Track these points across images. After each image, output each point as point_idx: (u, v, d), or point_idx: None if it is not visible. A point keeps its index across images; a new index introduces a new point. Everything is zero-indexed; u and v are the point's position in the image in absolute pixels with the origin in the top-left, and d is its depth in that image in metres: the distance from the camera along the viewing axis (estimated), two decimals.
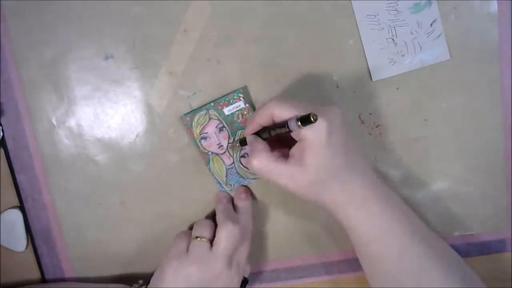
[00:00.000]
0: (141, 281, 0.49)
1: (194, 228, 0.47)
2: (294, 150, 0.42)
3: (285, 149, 0.44)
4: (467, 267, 0.44)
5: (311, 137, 0.40)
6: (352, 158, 0.42)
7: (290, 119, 0.40)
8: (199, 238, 0.46)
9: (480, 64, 0.49)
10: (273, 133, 0.42)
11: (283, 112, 0.41)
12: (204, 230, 0.47)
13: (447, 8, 0.48)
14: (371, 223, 0.43)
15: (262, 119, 0.43)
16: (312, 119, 0.38)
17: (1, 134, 0.49)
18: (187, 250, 0.46)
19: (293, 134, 0.41)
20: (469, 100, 0.50)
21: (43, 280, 0.53)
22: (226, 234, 0.45)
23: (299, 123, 0.38)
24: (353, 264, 0.53)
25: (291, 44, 0.49)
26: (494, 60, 0.49)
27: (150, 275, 0.48)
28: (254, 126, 0.44)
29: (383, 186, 0.44)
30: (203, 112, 0.49)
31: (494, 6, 0.48)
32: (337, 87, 0.49)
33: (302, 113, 0.39)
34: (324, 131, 0.39)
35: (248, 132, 0.45)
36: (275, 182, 0.42)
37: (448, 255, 0.44)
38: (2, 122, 0.49)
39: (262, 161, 0.42)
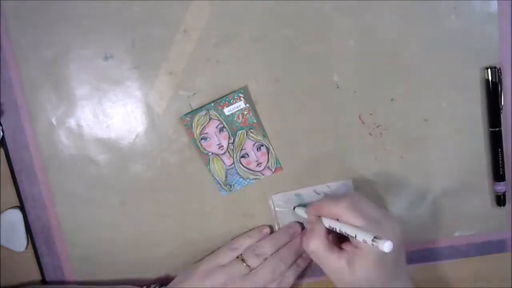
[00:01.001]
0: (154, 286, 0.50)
1: (247, 251, 0.49)
2: (348, 247, 0.44)
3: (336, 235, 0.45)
4: None
5: (368, 251, 0.41)
6: (398, 271, 0.44)
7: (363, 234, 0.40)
8: (245, 264, 0.47)
9: (480, 64, 0.49)
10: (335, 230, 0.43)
11: (350, 220, 0.42)
12: (253, 260, 0.48)
13: (447, 8, 0.48)
14: None
15: (326, 214, 0.44)
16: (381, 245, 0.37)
17: (1, 134, 0.49)
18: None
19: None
20: (469, 100, 0.50)
21: (43, 280, 0.53)
22: (270, 271, 0.47)
23: (372, 242, 0.38)
24: None
25: (291, 44, 0.48)
26: (494, 60, 0.49)
27: (151, 280, 0.49)
28: (319, 213, 0.45)
29: None
30: (203, 113, 0.49)
31: (494, 6, 0.48)
32: (338, 87, 0.49)
33: (368, 225, 0.41)
34: (380, 251, 0.39)
35: (312, 213, 0.46)
36: (321, 266, 0.45)
37: None
38: (2, 122, 0.49)
39: (319, 246, 0.44)
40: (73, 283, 0.53)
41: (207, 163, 0.50)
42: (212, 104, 0.48)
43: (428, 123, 0.50)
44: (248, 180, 0.50)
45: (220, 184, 0.50)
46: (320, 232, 0.44)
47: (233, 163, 0.50)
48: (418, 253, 0.52)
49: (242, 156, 0.50)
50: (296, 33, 0.48)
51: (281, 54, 0.49)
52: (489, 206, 0.52)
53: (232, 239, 0.51)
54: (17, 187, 0.50)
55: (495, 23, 0.48)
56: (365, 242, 0.39)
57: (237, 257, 0.48)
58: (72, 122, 0.49)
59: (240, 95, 0.48)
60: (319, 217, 0.45)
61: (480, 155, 0.51)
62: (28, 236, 0.51)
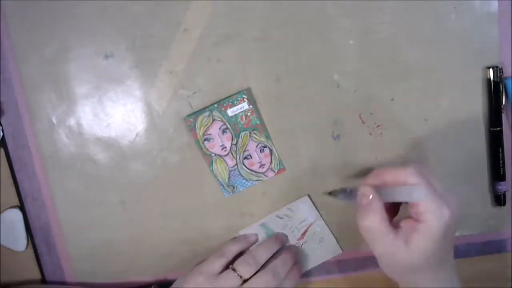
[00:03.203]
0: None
1: (239, 260, 0.47)
2: (404, 223, 0.40)
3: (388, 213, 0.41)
4: None
5: (432, 223, 0.38)
6: (450, 250, 0.41)
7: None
8: (236, 274, 0.45)
9: (480, 64, 0.49)
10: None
11: (415, 183, 0.39)
12: (246, 269, 0.46)
13: (447, 8, 0.48)
14: None
15: (390, 180, 0.41)
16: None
17: (1, 134, 0.49)
18: (220, 273, 0.45)
19: (410, 208, 0.40)
20: (470, 100, 0.50)
21: (43, 279, 0.52)
22: (265, 282, 0.45)
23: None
24: (353, 264, 0.53)
25: (291, 44, 0.48)
26: (494, 60, 0.49)
27: (148, 283, 0.49)
28: (377, 182, 0.42)
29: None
30: (207, 113, 0.48)
31: (494, 6, 0.48)
32: (338, 86, 0.49)
33: (431, 192, 0.38)
34: (445, 223, 0.38)
35: (371, 182, 0.42)
36: (371, 246, 0.41)
37: None
38: (2, 122, 0.49)
39: (375, 223, 0.40)
40: (73, 284, 0.52)
41: (210, 164, 0.49)
42: (216, 105, 0.48)
43: (428, 123, 0.50)
44: (251, 182, 0.50)
45: (223, 186, 0.50)
46: (377, 207, 0.40)
47: (236, 164, 0.49)
48: None
49: (245, 158, 0.49)
50: (296, 33, 0.48)
51: (281, 54, 0.49)
52: (489, 206, 0.52)
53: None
54: (17, 187, 0.50)
55: (495, 23, 0.48)
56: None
57: (229, 267, 0.46)
58: (72, 121, 0.49)
59: (244, 96, 0.48)
60: (372, 191, 0.41)
61: (480, 155, 0.51)
62: (28, 236, 0.51)
